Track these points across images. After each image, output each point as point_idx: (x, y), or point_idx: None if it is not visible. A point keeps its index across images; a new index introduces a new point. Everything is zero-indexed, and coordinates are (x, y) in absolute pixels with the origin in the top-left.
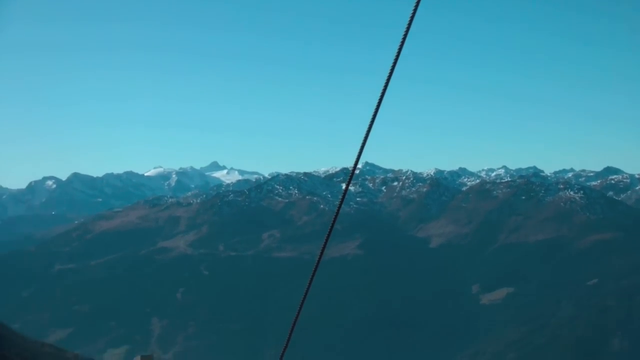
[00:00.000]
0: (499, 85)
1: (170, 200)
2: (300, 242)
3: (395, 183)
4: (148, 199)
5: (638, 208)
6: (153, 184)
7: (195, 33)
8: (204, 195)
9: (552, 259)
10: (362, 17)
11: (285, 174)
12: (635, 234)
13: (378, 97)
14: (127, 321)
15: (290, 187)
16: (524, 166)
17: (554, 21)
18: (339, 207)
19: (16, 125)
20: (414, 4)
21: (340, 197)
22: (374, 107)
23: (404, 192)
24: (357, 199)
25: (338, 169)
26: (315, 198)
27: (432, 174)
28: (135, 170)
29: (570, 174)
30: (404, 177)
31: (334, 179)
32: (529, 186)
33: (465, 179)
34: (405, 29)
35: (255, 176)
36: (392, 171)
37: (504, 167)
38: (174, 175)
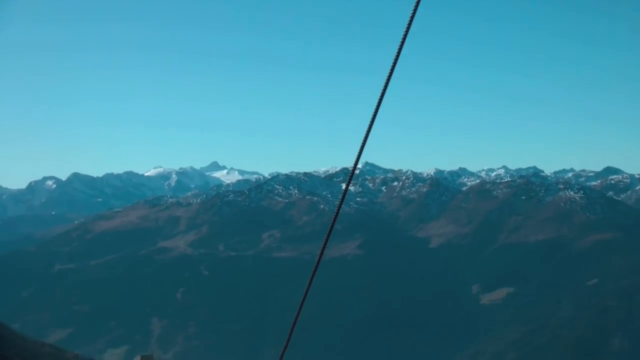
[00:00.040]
0: (499, 85)
1: (170, 200)
2: (300, 242)
3: (395, 183)
4: (148, 199)
5: (638, 208)
6: (153, 184)
7: (195, 33)
8: (204, 195)
9: (552, 259)
10: (362, 17)
11: (285, 174)
12: (635, 234)
13: (378, 97)
14: (127, 321)
15: (290, 187)
16: (524, 166)
17: (554, 21)
18: (339, 207)
19: (16, 125)
20: (414, 4)
21: (340, 197)
22: (374, 107)
23: (404, 192)
24: (357, 199)
25: (338, 169)
26: (315, 198)
27: (432, 174)
28: (135, 170)
29: (570, 174)
30: (404, 177)
31: (334, 179)
32: (529, 186)
33: (465, 179)
34: (405, 29)
35: (255, 176)
36: (392, 171)
37: (504, 167)
38: (174, 175)
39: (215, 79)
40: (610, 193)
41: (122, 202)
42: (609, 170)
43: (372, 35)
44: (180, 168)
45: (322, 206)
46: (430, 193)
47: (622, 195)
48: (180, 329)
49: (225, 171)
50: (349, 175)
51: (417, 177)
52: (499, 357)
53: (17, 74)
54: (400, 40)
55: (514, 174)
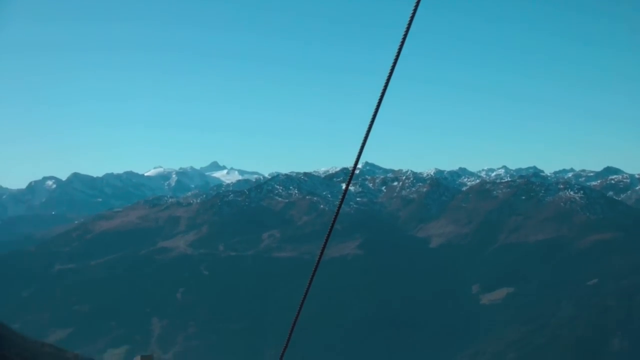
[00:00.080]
0: (499, 85)
1: (170, 200)
2: (300, 242)
3: (395, 183)
4: (148, 199)
5: (638, 208)
6: (153, 184)
7: (195, 33)
8: (204, 195)
9: (552, 259)
10: (362, 17)
11: (285, 174)
12: (635, 234)
13: (378, 97)
14: (127, 321)
15: (290, 187)
16: (524, 166)
17: (554, 21)
18: (339, 207)
19: (16, 125)
20: (414, 4)
21: (340, 197)
22: (374, 107)
23: (404, 192)
24: (357, 199)
25: (338, 169)
26: (315, 198)
27: (432, 174)
28: (135, 170)
29: (570, 174)
30: (404, 177)
31: (334, 179)
32: (529, 186)
33: (465, 179)
34: (405, 29)
35: (255, 176)
36: (392, 171)
37: (504, 167)
38: (174, 175)
39: (215, 79)
40: (610, 193)
41: (122, 202)
42: (609, 170)
43: (373, 35)
44: (180, 168)
45: (322, 206)
46: (430, 193)
47: (622, 195)
48: (180, 329)
49: (225, 171)
50: (349, 175)
51: (417, 177)
52: (499, 357)
53: (18, 74)
54: (400, 40)
55: (514, 174)
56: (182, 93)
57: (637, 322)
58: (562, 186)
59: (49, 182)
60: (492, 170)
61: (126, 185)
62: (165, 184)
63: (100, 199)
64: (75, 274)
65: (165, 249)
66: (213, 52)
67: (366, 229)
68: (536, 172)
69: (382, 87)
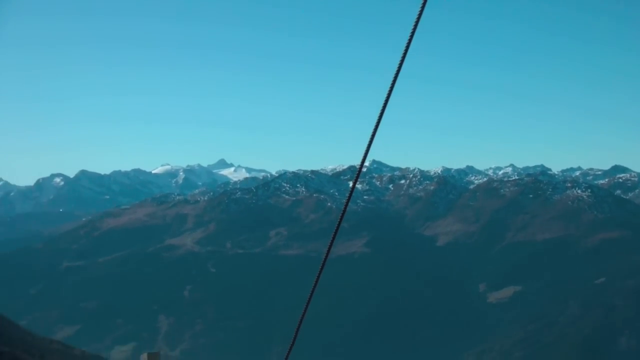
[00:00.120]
0: (507, 85)
1: (177, 197)
2: (307, 240)
3: (403, 181)
4: (155, 196)
5: None
6: (160, 182)
7: (204, 29)
8: (211, 193)
9: (559, 258)
10: (371, 14)
11: (293, 172)
12: None
13: (385, 95)
14: (134, 318)
15: (298, 185)
16: (531, 165)
17: (561, 20)
18: (346, 205)
19: (24, 123)
20: (422, 2)
21: (347, 195)
22: (382, 105)
23: (411, 190)
24: (364, 197)
25: (345, 167)
26: (322, 196)
27: (439, 172)
28: (143, 168)
29: (577, 173)
30: (411, 175)
31: (341, 177)
32: (536, 184)
33: (473, 177)
34: (412, 27)
35: (263, 174)
36: (400, 169)
37: (512, 165)
38: (181, 173)
39: (223, 76)
40: (618, 191)
41: (130, 200)
42: (617, 169)
43: (381, 33)
44: (188, 165)
45: (329, 204)
46: (438, 191)
47: (630, 194)
48: (187, 327)
49: (232, 169)
50: (356, 173)
51: (424, 175)
52: (505, 355)
53: (23, 71)
54: (408, 38)
55: (522, 172)
56: (190, 90)
57: None
58: (569, 185)
59: (57, 180)
60: (499, 168)
61: (134, 183)
62: (173, 182)
63: (107, 197)
64: (83, 271)
65: (172, 247)
66: (222, 49)
67: (373, 227)
68: (544, 171)
69: (389, 85)
